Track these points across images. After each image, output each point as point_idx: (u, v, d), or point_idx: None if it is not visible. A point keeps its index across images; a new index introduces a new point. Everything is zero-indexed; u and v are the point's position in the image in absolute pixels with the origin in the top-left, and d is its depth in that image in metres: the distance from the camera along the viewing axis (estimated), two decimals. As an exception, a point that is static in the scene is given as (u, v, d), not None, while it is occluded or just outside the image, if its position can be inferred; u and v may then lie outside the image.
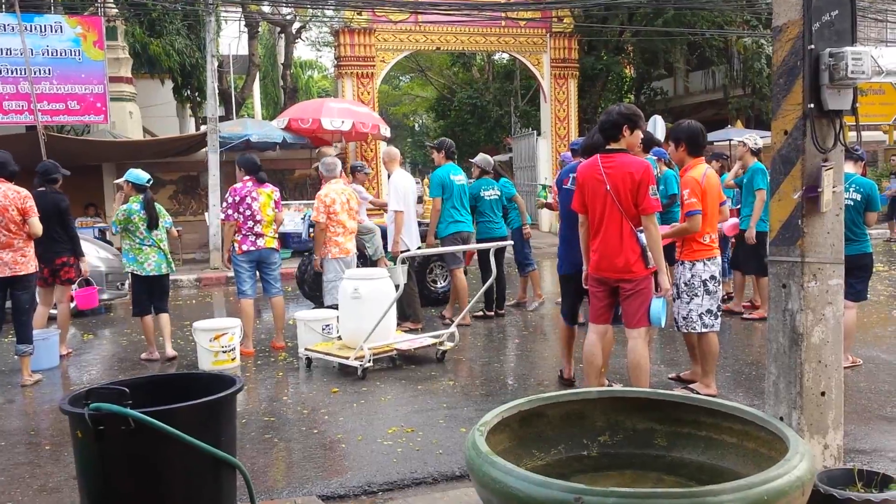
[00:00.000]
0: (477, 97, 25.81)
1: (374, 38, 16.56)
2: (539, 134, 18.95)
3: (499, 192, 8.28)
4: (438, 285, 9.15)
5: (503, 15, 17.17)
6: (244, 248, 6.74)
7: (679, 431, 3.26)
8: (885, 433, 4.48)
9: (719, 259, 5.27)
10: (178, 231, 7.22)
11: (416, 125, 42.70)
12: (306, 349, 6.36)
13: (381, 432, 4.68)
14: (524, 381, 5.98)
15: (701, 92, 23.45)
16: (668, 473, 3.20)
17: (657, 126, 14.74)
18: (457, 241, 7.55)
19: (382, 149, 12.50)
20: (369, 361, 5.91)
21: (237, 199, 6.75)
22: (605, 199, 4.48)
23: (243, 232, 6.73)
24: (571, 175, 5.17)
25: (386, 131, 15.15)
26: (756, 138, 7.83)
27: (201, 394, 2.88)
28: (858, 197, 5.72)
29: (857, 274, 5.78)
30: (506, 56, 23.33)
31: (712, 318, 5.15)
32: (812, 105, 3.03)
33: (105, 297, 9.28)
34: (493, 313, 8.28)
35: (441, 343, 6.44)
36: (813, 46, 3.02)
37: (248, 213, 6.71)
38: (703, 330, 5.13)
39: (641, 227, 4.49)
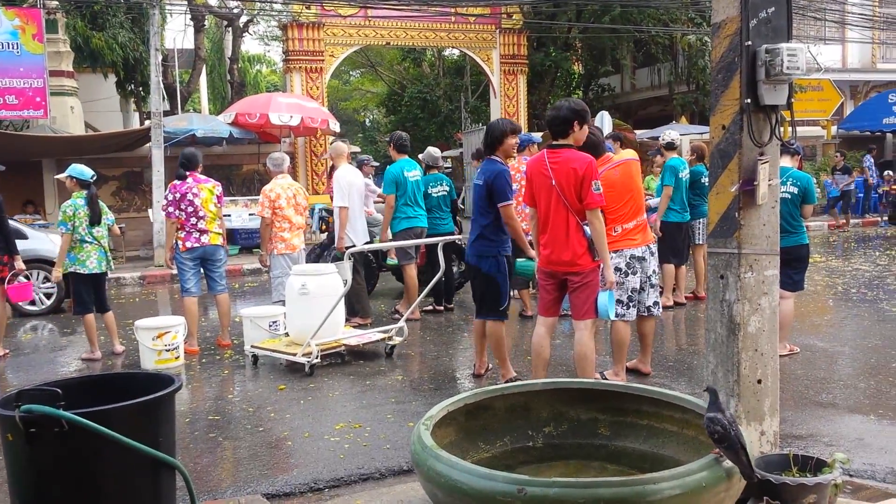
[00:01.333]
0: (427, 92, 25.80)
1: (322, 32, 16.41)
2: (489, 129, 19.01)
3: (447, 188, 8.29)
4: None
5: (453, 10, 17.20)
6: (188, 245, 6.61)
7: (622, 421, 3.32)
8: (821, 418, 4.62)
9: (630, 251, 5.24)
10: (120, 229, 7.04)
11: (367, 120, 42.44)
12: (252, 346, 6.28)
13: (328, 429, 4.65)
14: (473, 375, 5.99)
15: (647, 88, 23.82)
16: (611, 462, 3.26)
17: (604, 122, 14.91)
18: (410, 237, 7.53)
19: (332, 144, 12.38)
20: (317, 358, 5.86)
21: (178, 195, 6.60)
22: (551, 193, 4.54)
23: (186, 229, 6.60)
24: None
25: (335, 126, 15.04)
26: (673, 134, 8.04)
27: (139, 394, 2.81)
28: (795, 190, 5.87)
29: (795, 265, 5.93)
30: (456, 52, 23.35)
31: (623, 307, 5.24)
32: (749, 100, 3.09)
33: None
34: (442, 308, 8.29)
35: (390, 338, 6.42)
36: (750, 43, 3.08)
37: (189, 209, 6.58)
38: (614, 318, 5.21)
39: (587, 222, 4.53)
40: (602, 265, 4.61)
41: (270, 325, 6.57)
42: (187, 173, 6.70)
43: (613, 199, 5.07)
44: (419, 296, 7.18)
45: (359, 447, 4.33)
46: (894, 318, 7.35)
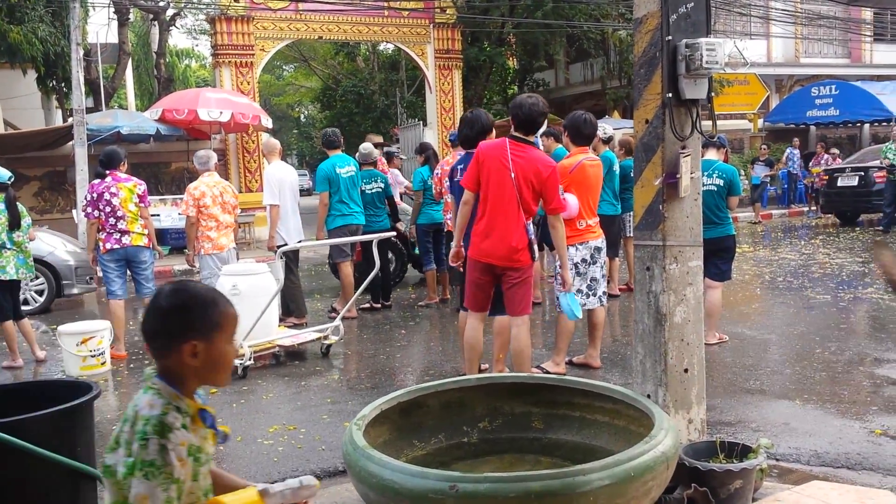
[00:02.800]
0: (362, 87, 25.62)
1: (252, 26, 16.10)
2: (425, 124, 19.01)
3: (382, 185, 8.23)
4: None
5: (386, 4, 17.09)
6: (108, 246, 6.39)
7: (555, 413, 3.34)
8: (748, 405, 4.75)
9: (593, 243, 5.43)
10: (33, 234, 6.72)
11: (302, 116, 41.93)
12: (183, 349, 6.10)
13: (261, 432, 4.56)
14: (411, 372, 5.98)
15: (580, 83, 24.17)
16: (545, 455, 3.28)
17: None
18: (345, 234, 7.44)
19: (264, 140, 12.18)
20: (250, 359, 5.74)
21: (95, 195, 6.37)
22: (506, 184, 4.43)
23: (107, 230, 6.37)
24: (459, 167, 5.16)
25: (267, 122, 14.78)
26: (607, 128, 8.17)
27: (57, 402, 2.70)
28: (721, 182, 6.02)
29: (722, 255, 6.09)
30: (391, 46, 23.25)
31: (583, 297, 5.33)
32: (670, 94, 3.14)
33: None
34: (379, 305, 8.24)
35: (326, 337, 6.35)
36: (670, 37, 3.13)
37: (108, 209, 6.35)
38: (579, 316, 5.29)
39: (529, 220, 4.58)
40: (561, 266, 4.73)
41: (201, 327, 6.40)
42: (107, 172, 6.47)
43: (584, 195, 5.22)
44: (355, 293, 7.11)
45: (293, 449, 4.26)
46: (819, 305, 7.62)
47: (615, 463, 2.46)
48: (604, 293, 5.59)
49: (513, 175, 4.41)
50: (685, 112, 3.20)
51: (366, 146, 8.48)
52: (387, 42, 20.38)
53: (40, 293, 9.09)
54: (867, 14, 22.74)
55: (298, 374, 5.86)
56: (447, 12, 18.14)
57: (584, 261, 5.34)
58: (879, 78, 22.37)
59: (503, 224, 4.46)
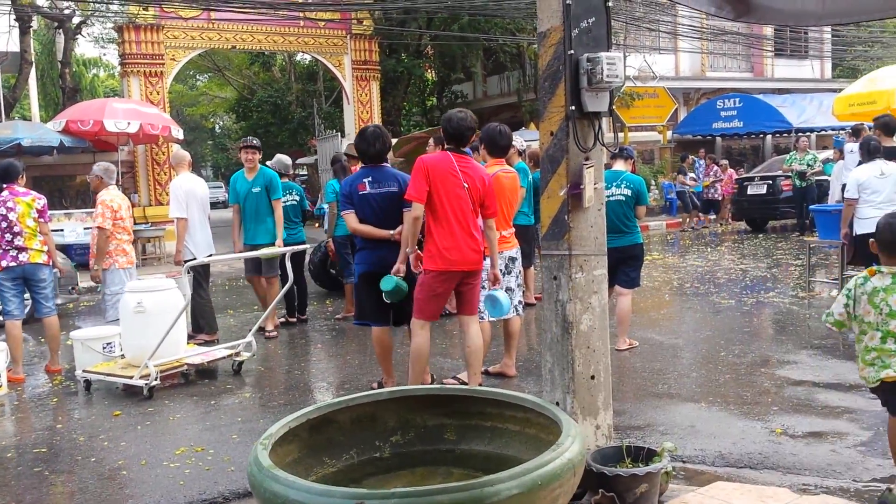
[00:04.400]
0: (278, 97, 25.26)
1: (162, 34, 15.68)
2: (343, 135, 18.88)
3: (298, 197, 8.11)
4: None
5: (301, 15, 16.91)
6: (4, 264, 6.05)
7: (467, 424, 3.34)
8: (657, 409, 4.87)
9: (508, 253, 5.47)
10: None
11: (217, 127, 41.03)
12: (84, 371, 5.84)
13: (167, 454, 4.39)
14: (327, 387, 5.90)
15: (498, 96, 24.50)
16: (457, 466, 3.27)
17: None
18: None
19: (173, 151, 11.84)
20: (156, 379, 5.53)
21: None
22: (460, 195, 4.65)
23: (2, 247, 6.04)
24: (366, 180, 5.14)
25: (178, 133, 14.38)
26: (521, 140, 8.31)
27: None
28: (629, 192, 6.18)
29: (631, 263, 6.25)
30: (308, 57, 23.03)
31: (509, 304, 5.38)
32: (573, 107, 3.20)
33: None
34: (295, 319, 8.10)
35: (237, 354, 6.18)
36: (573, 51, 3.19)
37: (4, 225, 6.03)
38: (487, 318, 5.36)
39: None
40: (492, 266, 4.90)
41: (104, 348, 6.15)
42: (4, 186, 6.15)
43: (502, 205, 5.30)
44: (269, 308, 6.95)
45: (201, 472, 4.12)
46: (724, 309, 7.91)
47: (523, 472, 2.46)
48: (519, 302, 5.66)
49: (465, 185, 4.66)
50: (588, 124, 3.27)
51: (280, 158, 8.34)
52: (303, 52, 20.18)
53: None
54: (768, 30, 23.88)
55: (208, 393, 5.68)
56: (364, 23, 18.11)
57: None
58: (780, 91, 23.53)
59: (467, 233, 4.69)
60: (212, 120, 40.23)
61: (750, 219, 16.58)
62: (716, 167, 18.17)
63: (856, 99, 12.12)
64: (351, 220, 5.11)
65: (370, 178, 5.11)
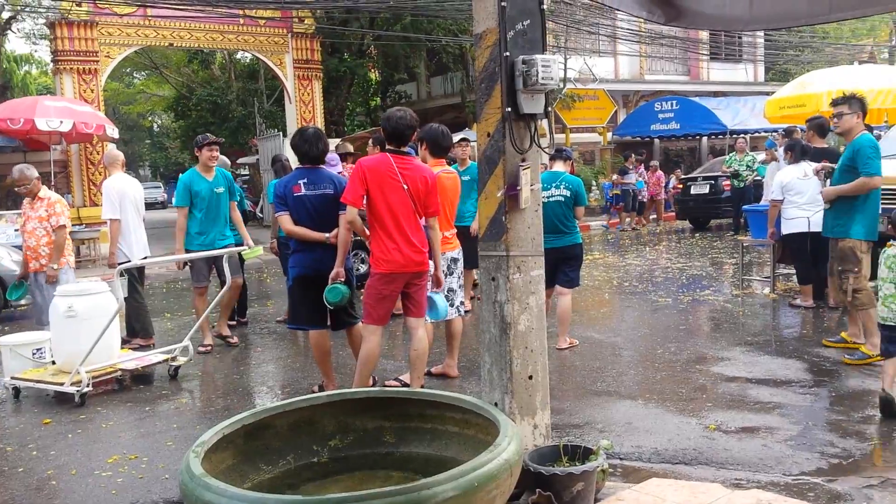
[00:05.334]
0: (218, 96, 24.80)
1: (97, 31, 15.23)
2: (285, 135, 18.65)
3: (238, 198, 7.95)
4: None
5: (241, 13, 16.64)
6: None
7: (407, 426, 3.33)
8: (595, 406, 4.93)
9: (450, 254, 5.49)
10: None
11: (155, 125, 40.08)
12: (12, 378, 5.63)
13: (99, 463, 4.27)
14: (267, 391, 5.81)
15: (441, 96, 24.53)
16: (397, 469, 3.26)
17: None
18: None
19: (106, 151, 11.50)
20: (88, 386, 5.37)
21: None
22: (402, 197, 4.62)
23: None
24: (301, 181, 5.09)
25: (113, 132, 13.99)
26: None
27: None
28: (568, 193, 6.25)
29: (571, 263, 6.32)
30: (249, 55, 22.68)
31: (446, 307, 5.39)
32: (510, 109, 3.21)
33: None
34: (235, 322, 7.95)
35: (174, 359, 6.04)
36: (508, 53, 3.20)
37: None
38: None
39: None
40: (435, 268, 4.89)
41: (34, 353, 5.93)
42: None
43: (444, 205, 5.28)
44: (204, 312, 6.80)
45: (134, 480, 4.01)
46: (661, 307, 8.07)
47: (460, 474, 2.47)
48: (461, 303, 5.67)
49: (406, 187, 4.62)
50: (524, 126, 3.29)
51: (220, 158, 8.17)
52: (243, 51, 19.87)
53: None
54: (704, 35, 24.48)
55: (143, 399, 5.54)
56: (306, 22, 17.92)
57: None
58: (716, 94, 24.14)
59: (413, 235, 4.67)
60: (149, 118, 39.29)
61: (693, 218, 17.09)
62: (642, 168, 18.56)
63: (786, 102, 12.50)
64: (285, 221, 5.06)
65: (306, 180, 5.08)
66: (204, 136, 7.05)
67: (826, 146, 7.93)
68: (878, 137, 11.87)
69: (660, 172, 18.68)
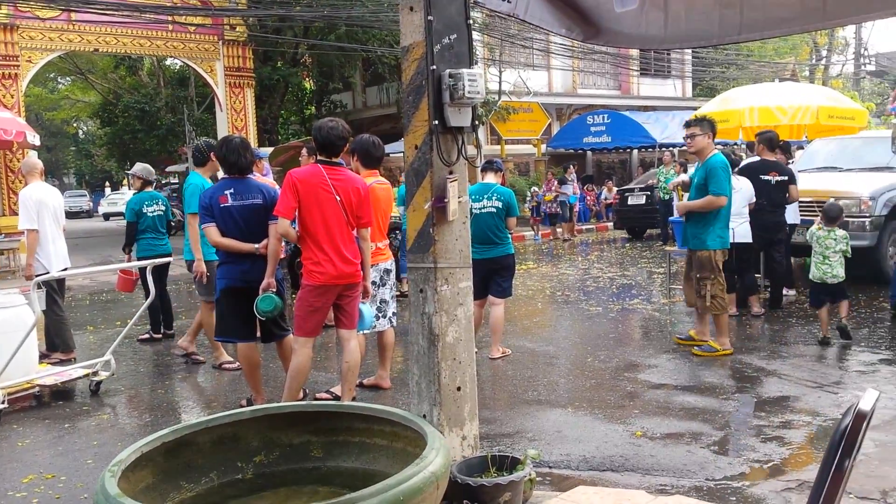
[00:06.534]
0: (146, 102, 24.20)
1: (17, 35, 14.72)
2: (216, 143, 18.32)
3: (164, 207, 7.78)
4: None
5: (170, 19, 16.29)
6: None
7: (334, 440, 3.29)
8: (526, 415, 4.97)
9: (383, 265, 5.48)
10: None
11: (81, 132, 38.82)
12: (-79, 396, 5.36)
13: (13, 483, 4.09)
14: (193, 406, 5.66)
15: (377, 106, 24.52)
16: (323, 484, 3.21)
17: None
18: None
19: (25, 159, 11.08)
20: (3, 402, 5.14)
21: None
22: (335, 209, 4.58)
23: None
24: (228, 192, 4.99)
25: (34, 139, 13.48)
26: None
27: None
28: (500, 204, 6.30)
29: (503, 273, 6.38)
30: (179, 61, 22.21)
31: (374, 318, 5.37)
32: (437, 122, 3.23)
33: None
34: (160, 335, 7.74)
35: (95, 373, 5.83)
36: (435, 67, 3.22)
37: None
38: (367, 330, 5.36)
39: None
40: (365, 279, 4.85)
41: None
42: None
43: (377, 216, 5.26)
44: (129, 324, 6.59)
45: (50, 501, 3.86)
46: (592, 316, 8.21)
47: (385, 488, 2.45)
48: (394, 314, 5.65)
49: (338, 198, 4.58)
50: (451, 139, 3.30)
51: (141, 166, 7.98)
52: (172, 57, 19.47)
53: None
54: (634, 52, 25.14)
55: (62, 415, 5.33)
56: (237, 30, 17.66)
57: (373, 283, 5.36)
58: (645, 108, 24.83)
59: (345, 246, 4.64)
60: (74, 125, 38.04)
61: (630, 228, 17.60)
62: (554, 180, 18.77)
63: (711, 117, 12.88)
64: (212, 233, 4.96)
65: (232, 191, 4.99)
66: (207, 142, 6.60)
67: (774, 159, 8.19)
68: (800, 149, 12.39)
69: (576, 184, 18.89)
